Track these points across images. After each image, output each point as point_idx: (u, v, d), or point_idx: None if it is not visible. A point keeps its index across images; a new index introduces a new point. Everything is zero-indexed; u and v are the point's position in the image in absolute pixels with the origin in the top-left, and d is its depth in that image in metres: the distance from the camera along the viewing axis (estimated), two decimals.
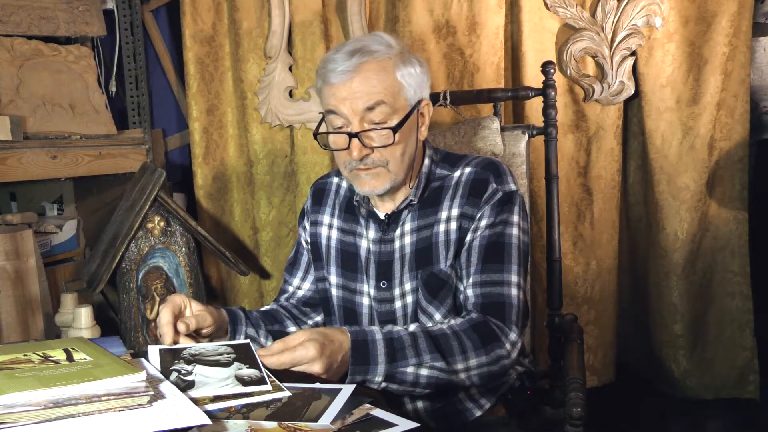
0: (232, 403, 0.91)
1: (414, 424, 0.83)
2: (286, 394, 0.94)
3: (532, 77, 1.91)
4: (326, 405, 0.89)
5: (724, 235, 1.97)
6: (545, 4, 1.94)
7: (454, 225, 1.19)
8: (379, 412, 0.87)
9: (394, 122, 1.13)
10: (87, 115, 1.87)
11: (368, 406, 0.89)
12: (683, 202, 1.95)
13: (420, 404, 1.18)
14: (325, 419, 0.85)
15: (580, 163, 2.03)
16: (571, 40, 1.94)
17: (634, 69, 1.95)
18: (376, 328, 1.07)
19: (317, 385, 0.98)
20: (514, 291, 1.14)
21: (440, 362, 1.05)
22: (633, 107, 2.02)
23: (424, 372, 1.04)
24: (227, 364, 1.01)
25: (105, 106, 1.93)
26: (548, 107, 1.62)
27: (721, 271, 1.98)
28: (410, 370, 1.04)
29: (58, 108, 1.81)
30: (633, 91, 1.96)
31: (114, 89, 2.04)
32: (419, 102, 1.18)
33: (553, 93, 1.63)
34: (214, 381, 0.95)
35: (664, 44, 1.92)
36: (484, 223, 1.17)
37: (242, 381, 0.95)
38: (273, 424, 0.83)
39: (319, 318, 1.37)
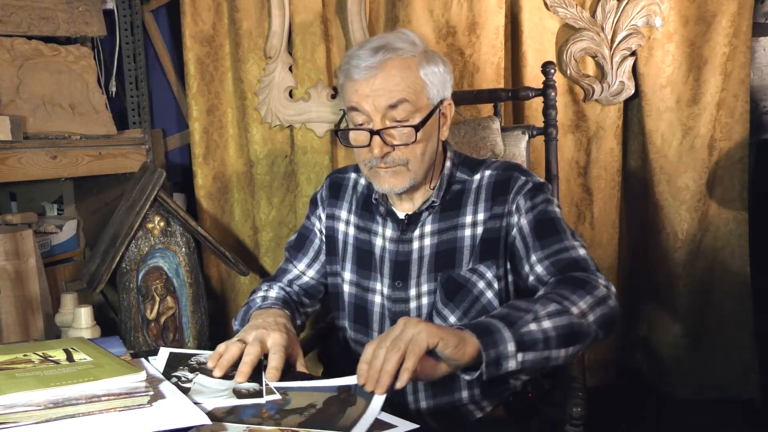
0: (260, 401, 0.90)
1: (414, 426, 0.83)
2: (276, 396, 0.93)
3: (532, 77, 1.91)
4: (360, 413, 0.86)
5: (724, 235, 1.97)
6: (545, 4, 1.94)
7: (480, 229, 1.18)
8: (379, 413, 0.87)
9: (416, 121, 1.12)
10: (87, 115, 1.87)
11: None
12: (683, 202, 1.95)
13: (423, 404, 1.18)
14: (360, 429, 0.82)
15: (580, 163, 2.03)
16: (571, 40, 1.94)
17: (634, 69, 1.95)
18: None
19: (352, 380, 0.94)
20: (581, 251, 1.13)
21: (553, 305, 0.98)
22: (633, 107, 2.02)
23: (547, 324, 0.95)
24: (230, 377, 1.00)
25: (105, 106, 1.93)
26: (548, 107, 1.63)
27: (721, 271, 1.98)
28: (533, 327, 0.95)
29: (58, 108, 1.81)
30: (633, 91, 1.96)
31: (114, 89, 2.05)
32: (441, 102, 1.18)
33: (553, 93, 1.63)
34: (209, 391, 0.95)
35: (664, 44, 1.92)
36: (524, 209, 1.17)
37: (238, 394, 0.94)
38: (274, 429, 0.82)
39: (311, 309, 1.37)
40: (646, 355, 2.13)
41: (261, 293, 1.31)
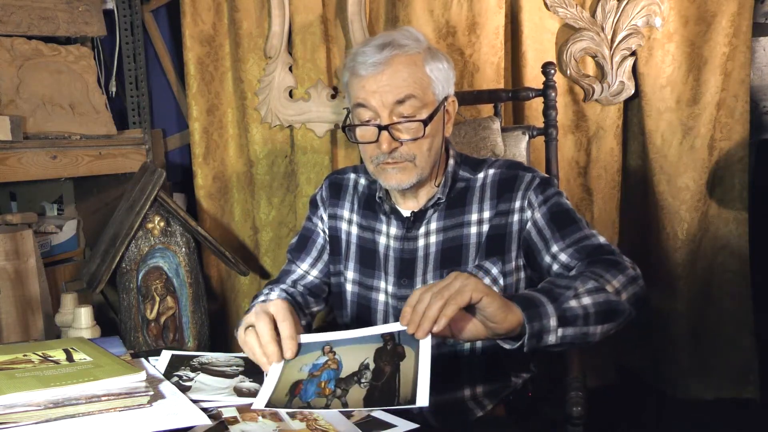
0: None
1: (414, 425, 0.83)
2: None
3: (533, 77, 1.91)
4: (414, 369, 0.85)
5: (724, 235, 1.97)
6: (545, 4, 1.94)
7: (486, 227, 1.19)
8: (379, 413, 0.87)
9: (423, 116, 1.13)
10: (87, 115, 1.87)
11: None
12: (683, 202, 1.95)
13: None
14: (422, 399, 0.81)
15: (580, 164, 2.03)
16: (571, 40, 1.94)
17: (634, 69, 1.95)
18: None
19: (392, 327, 0.93)
20: (601, 239, 1.14)
21: (591, 282, 0.98)
22: (633, 107, 2.02)
23: (586, 300, 0.96)
24: (232, 376, 1.00)
25: (105, 106, 1.93)
26: (548, 108, 1.63)
27: (721, 271, 1.98)
28: (574, 303, 0.95)
29: (58, 108, 1.81)
30: (633, 91, 1.96)
31: (114, 89, 2.04)
32: (446, 98, 1.18)
33: (553, 94, 1.63)
34: (210, 389, 0.95)
35: (664, 44, 1.92)
36: (537, 203, 1.17)
37: (239, 392, 0.95)
38: (301, 425, 0.83)
39: (316, 308, 1.36)
40: (646, 355, 2.13)
41: (262, 297, 1.30)
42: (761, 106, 2.06)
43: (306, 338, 1.00)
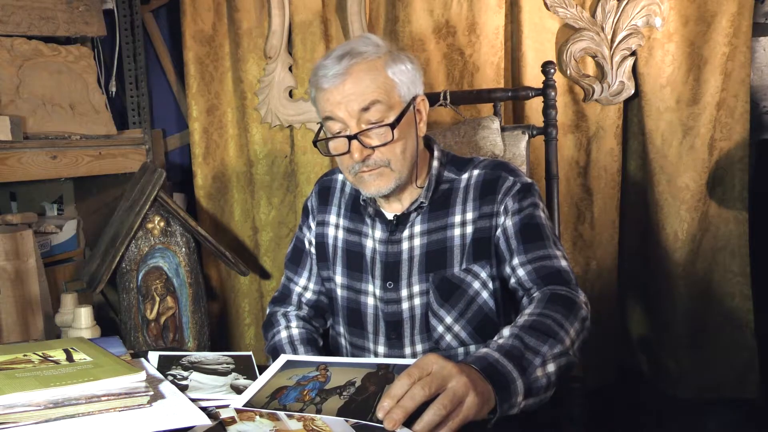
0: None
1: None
2: None
3: (532, 77, 1.91)
4: None
5: (724, 235, 1.97)
6: (545, 4, 1.94)
7: (470, 228, 1.19)
8: None
9: (390, 120, 1.13)
10: (87, 115, 1.87)
11: None
12: (683, 202, 1.95)
13: None
14: None
15: (580, 163, 2.03)
16: (571, 40, 1.94)
17: (634, 69, 1.95)
18: (486, 350, 0.93)
19: (391, 360, 0.97)
20: (563, 262, 1.13)
21: (558, 347, 0.96)
22: (633, 107, 2.02)
23: (551, 368, 0.94)
24: (225, 374, 1.01)
25: (105, 106, 1.93)
26: (548, 107, 1.63)
27: (721, 271, 1.98)
28: (540, 373, 0.92)
29: (58, 108, 1.81)
30: (633, 91, 1.96)
31: (114, 89, 2.05)
32: (414, 98, 1.18)
33: (553, 93, 1.63)
34: (207, 387, 0.95)
35: (664, 44, 1.92)
36: (511, 210, 1.17)
37: (237, 390, 0.95)
38: (298, 425, 0.83)
39: (323, 327, 1.38)
40: (646, 355, 2.13)
41: (283, 331, 1.31)
42: (761, 106, 2.06)
43: (306, 357, 1.03)
